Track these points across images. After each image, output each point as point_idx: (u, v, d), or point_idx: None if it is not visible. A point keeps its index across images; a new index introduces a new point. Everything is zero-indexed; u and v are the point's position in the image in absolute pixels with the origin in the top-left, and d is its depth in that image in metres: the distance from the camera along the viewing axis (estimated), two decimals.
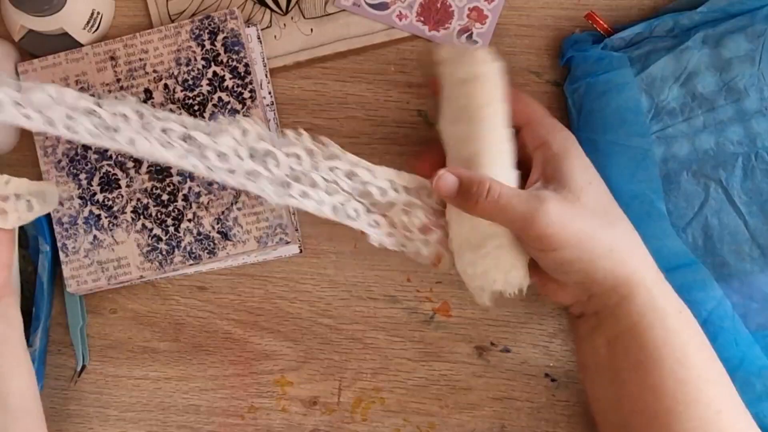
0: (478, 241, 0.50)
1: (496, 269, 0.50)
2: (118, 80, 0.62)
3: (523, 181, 0.52)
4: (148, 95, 0.62)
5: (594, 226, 0.47)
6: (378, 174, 0.54)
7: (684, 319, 0.48)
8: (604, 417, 0.51)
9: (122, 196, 0.62)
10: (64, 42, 0.61)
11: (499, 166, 0.51)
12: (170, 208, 0.61)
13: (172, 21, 0.63)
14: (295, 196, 0.53)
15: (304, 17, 0.64)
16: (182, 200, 0.61)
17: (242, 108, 0.61)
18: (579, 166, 0.49)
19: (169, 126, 0.54)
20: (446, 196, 0.49)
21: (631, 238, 0.49)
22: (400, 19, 0.63)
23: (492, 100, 0.51)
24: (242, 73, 0.61)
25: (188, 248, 0.61)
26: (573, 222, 0.46)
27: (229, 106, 0.61)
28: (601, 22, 0.60)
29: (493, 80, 0.51)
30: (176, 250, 0.61)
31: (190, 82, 0.61)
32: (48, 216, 0.62)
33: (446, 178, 0.48)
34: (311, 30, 0.64)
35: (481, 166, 0.50)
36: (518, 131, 0.52)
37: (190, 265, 0.61)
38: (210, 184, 0.61)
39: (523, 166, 0.52)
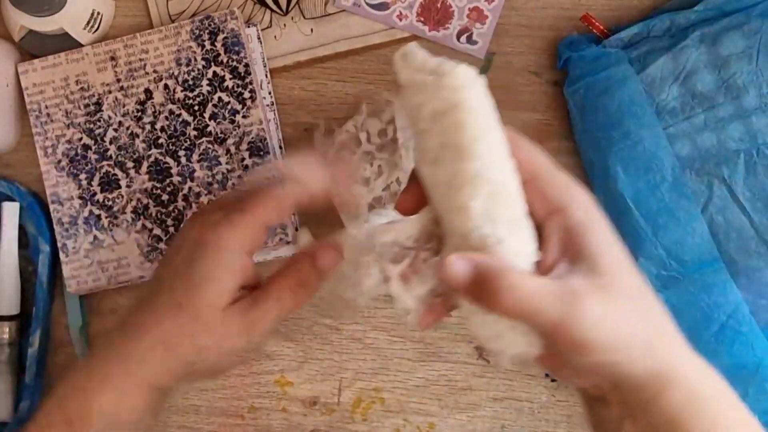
0: None
1: (514, 331, 0.39)
2: (119, 80, 0.62)
3: None
4: (148, 95, 0.62)
5: (631, 318, 0.39)
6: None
7: (726, 402, 0.42)
8: None
9: (122, 196, 0.62)
10: (64, 42, 0.61)
11: (507, 224, 0.38)
12: (170, 208, 0.61)
13: (172, 21, 0.63)
14: None
15: (304, 17, 0.64)
16: (182, 200, 0.61)
17: (242, 108, 0.61)
18: (608, 240, 0.40)
19: None
20: (455, 288, 0.38)
21: (665, 322, 0.42)
22: (400, 19, 0.63)
23: (485, 131, 0.38)
24: (242, 74, 0.61)
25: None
26: (611, 320, 0.38)
27: (229, 107, 0.61)
28: (596, 23, 0.60)
29: (482, 104, 0.38)
30: None
31: (191, 82, 0.61)
32: (48, 216, 0.62)
33: (455, 267, 0.37)
34: (311, 30, 0.64)
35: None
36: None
37: None
38: (210, 184, 0.61)
39: None
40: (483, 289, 0.37)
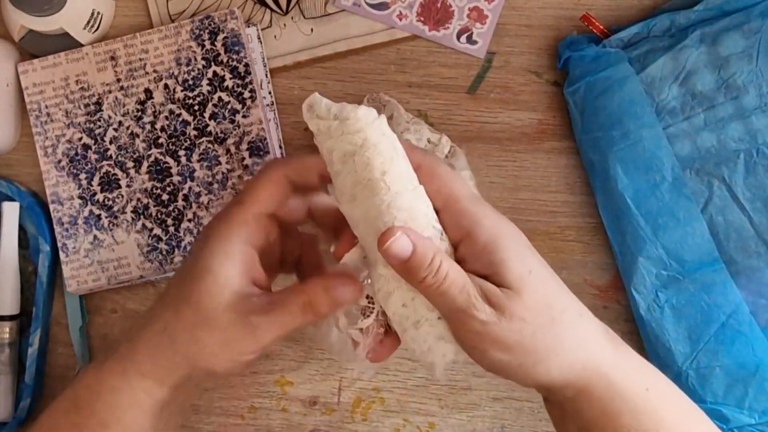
0: (416, 317, 0.43)
1: (444, 341, 0.43)
2: (119, 80, 0.62)
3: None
4: (148, 95, 0.62)
5: (535, 325, 0.42)
6: None
7: (655, 395, 0.44)
8: None
9: (122, 196, 0.62)
10: (64, 42, 0.61)
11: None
12: (170, 208, 0.61)
13: (172, 21, 0.63)
14: None
15: (304, 17, 0.64)
16: (182, 200, 0.61)
17: (242, 108, 0.61)
18: (514, 257, 0.43)
19: None
20: (394, 261, 0.42)
21: (577, 328, 0.44)
22: (400, 19, 0.63)
23: (391, 164, 0.42)
24: (242, 73, 0.61)
25: (188, 248, 0.61)
26: (511, 323, 0.42)
27: (229, 106, 0.61)
28: (596, 23, 0.60)
29: (385, 140, 0.42)
30: (176, 250, 0.61)
31: (191, 82, 0.61)
32: (48, 216, 0.62)
33: (402, 242, 0.41)
34: (311, 30, 0.64)
35: None
36: (437, 213, 0.44)
37: None
38: (210, 183, 0.61)
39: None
40: (417, 264, 0.41)
